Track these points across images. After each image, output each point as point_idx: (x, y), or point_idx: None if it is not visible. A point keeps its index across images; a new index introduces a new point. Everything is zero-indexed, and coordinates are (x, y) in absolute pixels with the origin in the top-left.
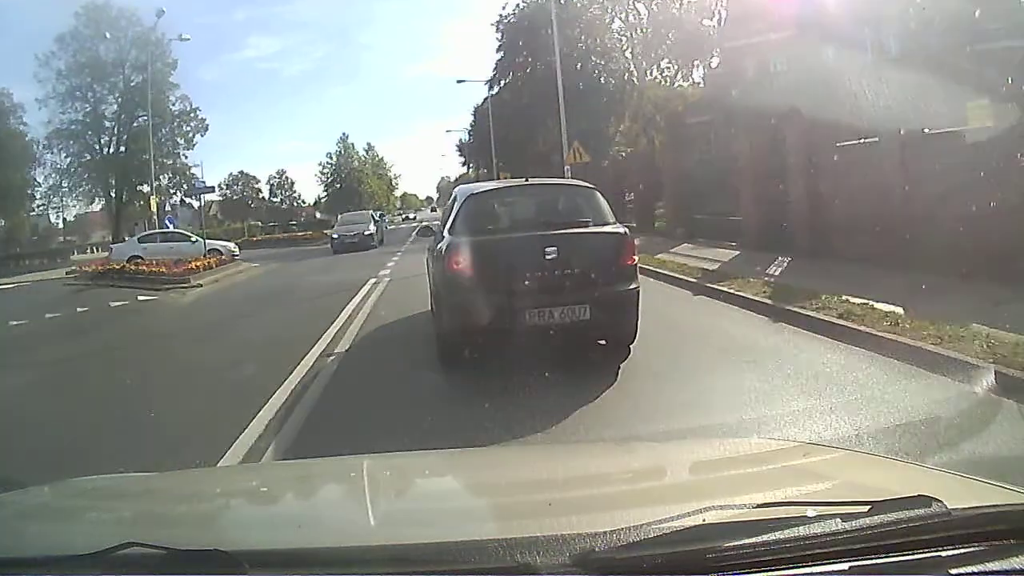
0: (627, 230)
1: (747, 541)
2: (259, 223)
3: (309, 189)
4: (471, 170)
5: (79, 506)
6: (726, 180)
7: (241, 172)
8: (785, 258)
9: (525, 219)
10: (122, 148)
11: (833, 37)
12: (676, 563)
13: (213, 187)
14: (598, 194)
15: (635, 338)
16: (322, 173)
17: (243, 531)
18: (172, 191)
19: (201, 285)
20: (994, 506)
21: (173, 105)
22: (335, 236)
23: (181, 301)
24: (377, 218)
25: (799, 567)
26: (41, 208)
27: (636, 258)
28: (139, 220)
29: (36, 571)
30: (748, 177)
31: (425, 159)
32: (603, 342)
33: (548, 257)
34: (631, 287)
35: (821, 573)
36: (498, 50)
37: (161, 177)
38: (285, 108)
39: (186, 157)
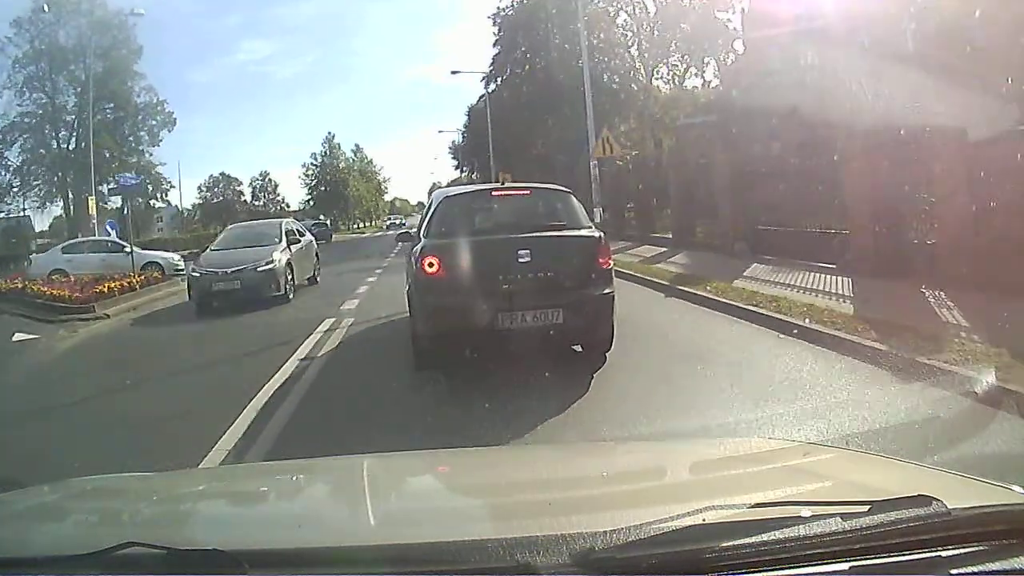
0: (602, 234)
1: (746, 541)
2: None
3: (298, 193)
4: (465, 173)
5: (79, 506)
6: (796, 183)
7: (222, 174)
8: (935, 291)
9: (500, 222)
10: (81, 143)
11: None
12: (675, 563)
13: (138, 183)
14: (573, 198)
15: (611, 345)
16: (306, 175)
17: (243, 531)
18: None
19: (107, 316)
20: (994, 506)
21: (137, 96)
22: (196, 272)
23: (62, 345)
24: (299, 233)
25: (799, 567)
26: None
27: (611, 261)
28: (102, 223)
29: (36, 571)
30: (862, 180)
31: (418, 164)
32: (579, 348)
33: (521, 260)
34: (606, 291)
35: (821, 573)
36: (494, 45)
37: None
38: (277, 112)
39: (151, 155)
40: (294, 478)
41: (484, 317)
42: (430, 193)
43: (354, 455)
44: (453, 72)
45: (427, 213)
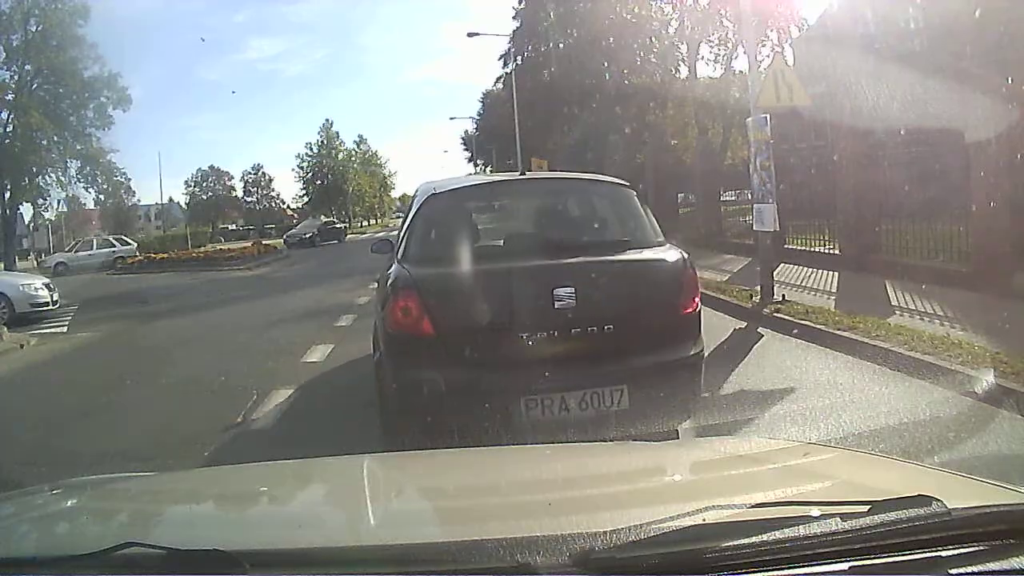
0: (686, 255)
1: (747, 541)
2: (229, 226)
3: (294, 188)
4: (479, 167)
5: (79, 506)
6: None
7: (211, 167)
8: None
9: (522, 236)
10: (12, 127)
11: None
12: (676, 563)
13: None
14: (635, 196)
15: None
16: (300, 167)
17: (243, 531)
18: (84, 185)
19: None
20: (994, 506)
21: (85, 68)
22: None
23: None
24: None
25: (799, 567)
26: None
27: (698, 301)
28: (42, 226)
29: (35, 571)
30: None
31: (429, 160)
32: None
33: (559, 304)
34: (693, 351)
35: (821, 573)
36: (515, 18)
37: (69, 164)
38: (285, 110)
39: (98, 139)
40: (294, 478)
41: (497, 403)
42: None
43: (354, 455)
44: (470, 35)
45: (407, 219)
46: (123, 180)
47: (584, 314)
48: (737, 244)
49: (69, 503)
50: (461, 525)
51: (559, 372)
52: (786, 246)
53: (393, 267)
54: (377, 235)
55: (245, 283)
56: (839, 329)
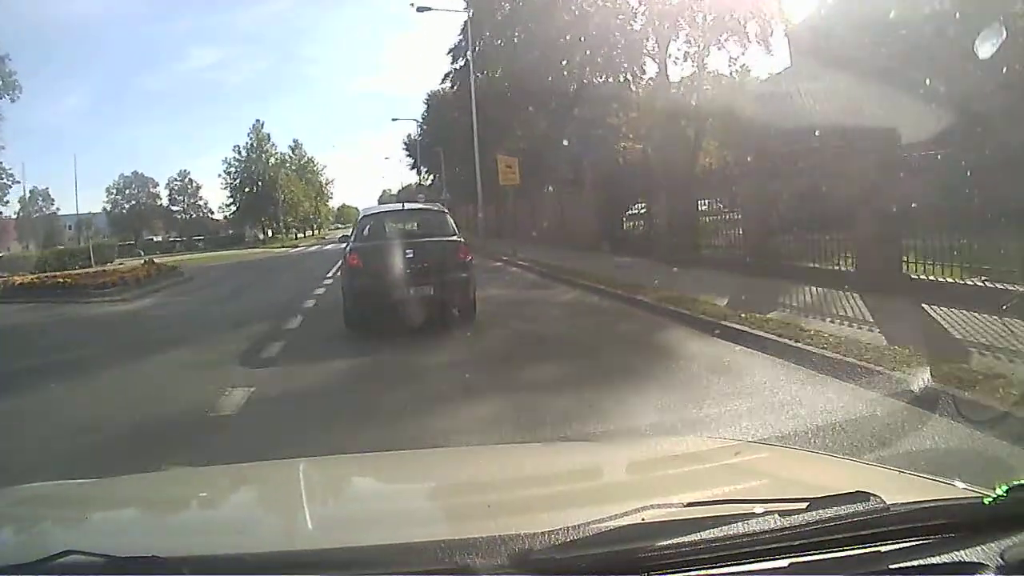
0: (462, 239)
1: (685, 539)
2: (154, 237)
3: (222, 195)
4: (424, 175)
5: (17, 514)
6: None
7: (135, 173)
8: None
9: (399, 231)
10: None
11: None
12: (615, 562)
13: None
14: (447, 215)
15: (475, 312)
16: (227, 173)
17: (182, 537)
18: None
19: None
20: (931, 500)
21: None
22: None
23: None
24: None
25: (738, 564)
26: None
27: (470, 256)
28: None
29: None
30: None
31: (370, 172)
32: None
33: (408, 256)
34: (464, 275)
35: (761, 570)
36: (466, 8)
37: None
38: (230, 120)
39: None
40: (232, 483)
41: (387, 291)
42: (380, 201)
43: (292, 459)
44: (419, 9)
45: (354, 226)
46: (9, 182)
47: (417, 259)
48: (710, 257)
49: (7, 511)
50: (399, 528)
51: (407, 280)
52: (783, 263)
53: (349, 244)
54: (311, 248)
55: (103, 327)
56: None
